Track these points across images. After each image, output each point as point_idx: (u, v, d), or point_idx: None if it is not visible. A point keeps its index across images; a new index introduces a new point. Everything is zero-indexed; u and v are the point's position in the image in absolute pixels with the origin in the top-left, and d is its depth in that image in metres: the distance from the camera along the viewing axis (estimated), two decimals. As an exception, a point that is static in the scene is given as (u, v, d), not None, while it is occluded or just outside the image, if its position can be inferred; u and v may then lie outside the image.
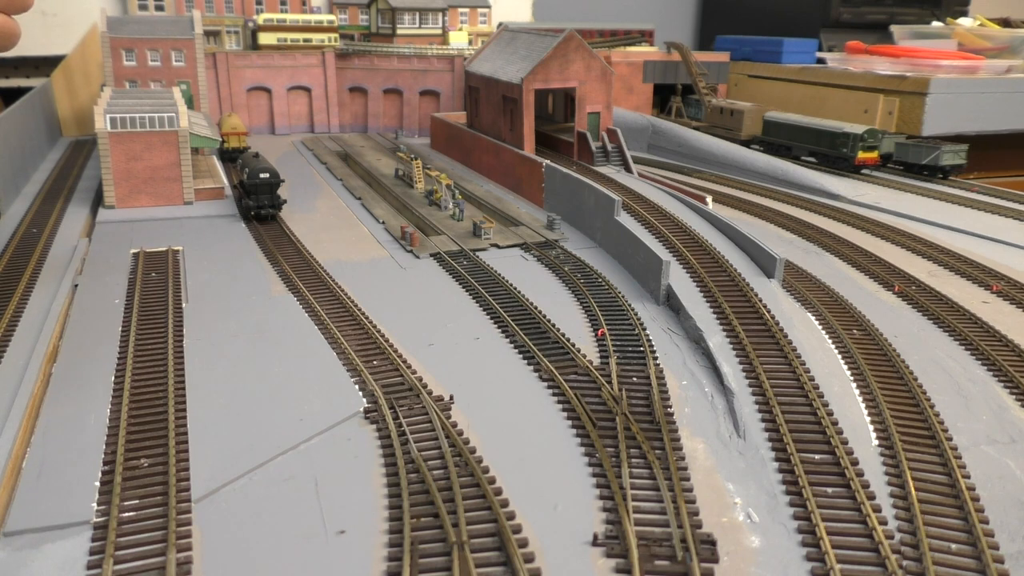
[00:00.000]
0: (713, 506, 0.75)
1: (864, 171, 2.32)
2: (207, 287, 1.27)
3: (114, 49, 2.47)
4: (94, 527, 0.70)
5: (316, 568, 0.66)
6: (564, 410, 0.92)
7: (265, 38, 2.84)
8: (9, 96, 2.95)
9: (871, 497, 0.75)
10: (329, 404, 0.91)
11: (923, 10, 3.47)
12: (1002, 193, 2.11)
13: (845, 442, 0.83)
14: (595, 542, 0.69)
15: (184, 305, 1.17)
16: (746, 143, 2.54)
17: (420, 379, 0.96)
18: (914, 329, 1.19)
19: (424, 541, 0.67)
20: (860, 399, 0.95)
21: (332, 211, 1.81)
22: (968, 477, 0.79)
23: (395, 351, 1.03)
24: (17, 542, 0.69)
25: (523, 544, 0.67)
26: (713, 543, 0.68)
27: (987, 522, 0.72)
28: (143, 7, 2.84)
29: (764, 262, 1.33)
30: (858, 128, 2.28)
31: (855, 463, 0.80)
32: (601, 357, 1.05)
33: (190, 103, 2.42)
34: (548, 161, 1.86)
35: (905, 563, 0.66)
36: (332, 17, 2.92)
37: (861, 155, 2.27)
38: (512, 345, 1.08)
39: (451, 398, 0.92)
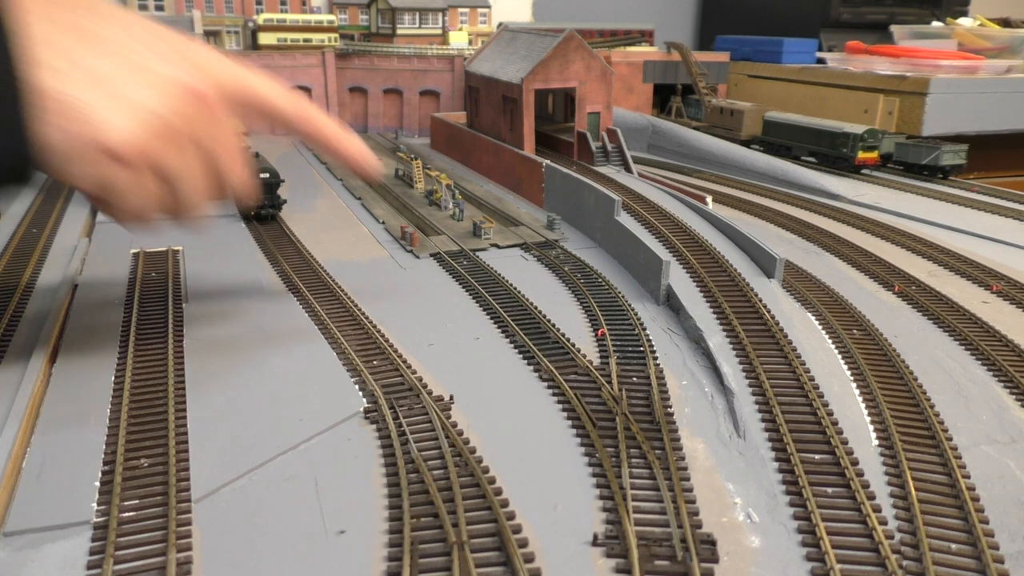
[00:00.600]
0: (713, 506, 0.75)
1: (864, 171, 2.31)
2: (207, 287, 1.27)
3: (114, 49, 2.47)
4: (94, 527, 0.70)
5: (316, 568, 0.66)
6: (564, 410, 0.91)
7: (265, 38, 2.84)
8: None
9: (871, 497, 0.74)
10: (329, 404, 0.91)
11: (923, 10, 3.47)
12: (1002, 193, 2.11)
13: (845, 442, 0.83)
14: (595, 542, 0.68)
15: (184, 305, 1.17)
16: (746, 143, 2.54)
17: (420, 379, 0.96)
18: (914, 329, 1.18)
19: (424, 541, 0.67)
20: (860, 399, 0.94)
21: (332, 211, 1.81)
22: (968, 477, 0.79)
23: (395, 351, 1.03)
24: (17, 542, 0.68)
25: (523, 544, 0.67)
26: (713, 543, 0.68)
27: (987, 522, 0.72)
28: (143, 7, 2.84)
29: (764, 262, 1.32)
30: (858, 128, 2.28)
31: (855, 463, 0.80)
32: (601, 357, 1.05)
33: (190, 103, 2.42)
34: (548, 161, 1.86)
35: (905, 563, 0.66)
36: (332, 17, 2.92)
37: (861, 155, 2.26)
38: (512, 345, 1.08)
39: (451, 398, 0.92)
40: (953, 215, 1.87)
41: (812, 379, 0.95)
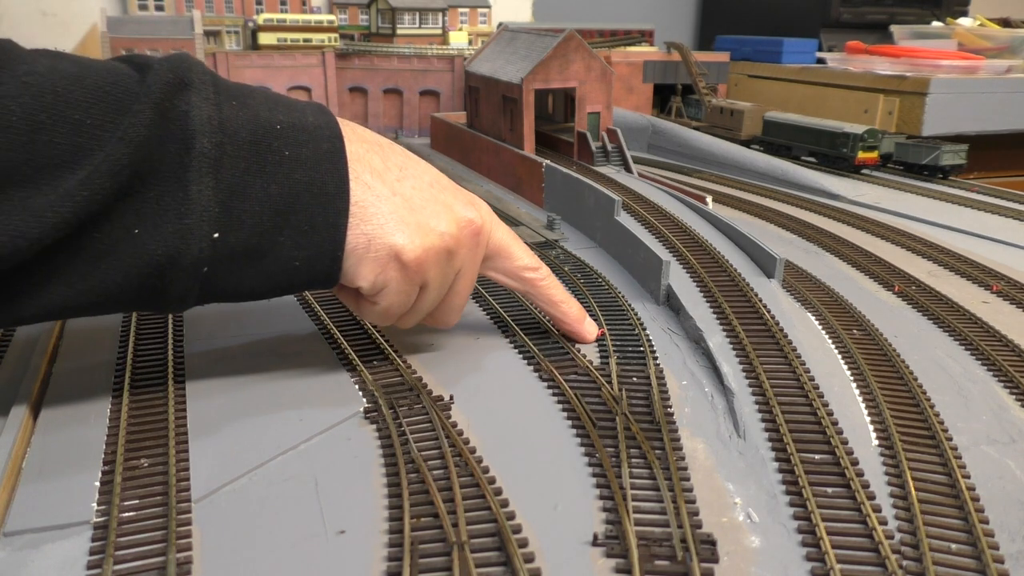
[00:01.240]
0: (713, 506, 0.75)
1: (864, 171, 2.31)
2: (207, 287, 1.27)
3: (114, 49, 2.47)
4: (94, 527, 0.69)
5: (316, 568, 0.66)
6: (564, 410, 0.91)
7: (265, 38, 2.84)
8: (9, 96, 2.95)
9: (871, 497, 0.74)
10: (329, 404, 0.91)
11: (923, 10, 3.47)
12: (1002, 193, 2.11)
13: (845, 442, 0.83)
14: (595, 542, 0.68)
15: (184, 305, 1.16)
16: (746, 143, 2.54)
17: (420, 379, 0.96)
18: (914, 329, 1.18)
19: (424, 541, 0.67)
20: (860, 399, 0.94)
21: (332, 211, 1.80)
22: (968, 477, 0.79)
23: (395, 351, 1.03)
24: (17, 542, 0.68)
25: (523, 544, 0.67)
26: (713, 543, 0.68)
27: (987, 522, 0.72)
28: (143, 7, 2.84)
29: (764, 262, 1.32)
30: (858, 128, 2.28)
31: (855, 463, 0.80)
32: (601, 357, 1.05)
33: (190, 103, 2.41)
34: (548, 161, 1.86)
35: (905, 563, 0.66)
36: (332, 17, 2.92)
37: (861, 155, 2.26)
38: (512, 345, 1.08)
39: (451, 398, 0.92)
40: (953, 215, 1.87)
41: (812, 379, 0.95)
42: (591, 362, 1.01)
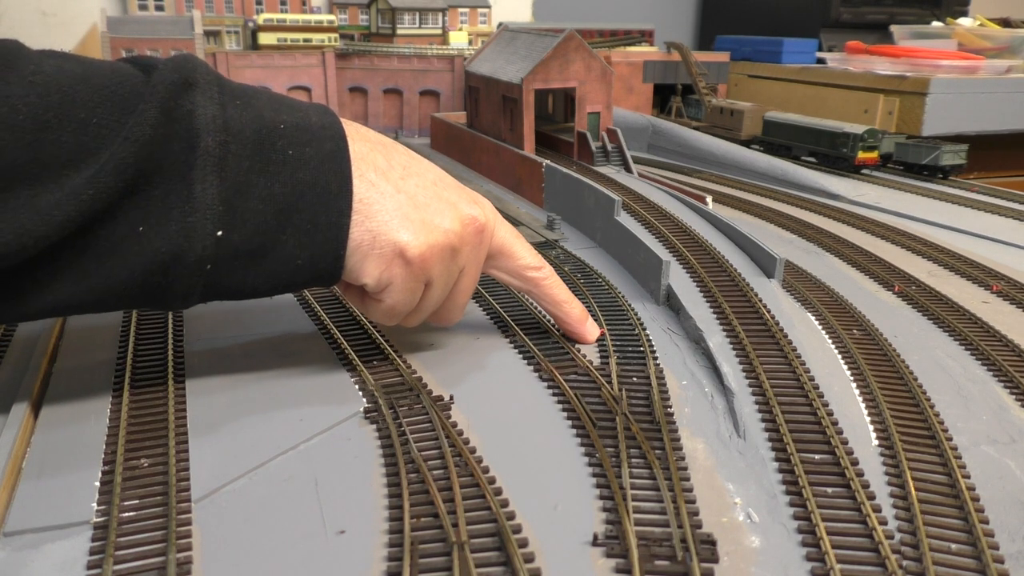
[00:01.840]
0: (713, 506, 0.75)
1: (864, 171, 2.31)
2: (207, 287, 1.27)
3: (114, 49, 2.47)
4: (94, 527, 0.69)
5: (316, 568, 0.66)
6: (564, 410, 0.91)
7: (265, 38, 2.84)
8: (9, 96, 2.95)
9: (871, 497, 0.74)
10: (329, 404, 0.91)
11: (923, 10, 3.47)
12: (1002, 193, 2.11)
13: (845, 442, 0.83)
14: (595, 542, 0.68)
15: (184, 305, 1.16)
16: (746, 143, 2.54)
17: (420, 379, 0.96)
18: (914, 329, 1.18)
19: (424, 541, 0.67)
20: (860, 399, 0.94)
21: (332, 211, 1.80)
22: (968, 477, 0.79)
23: (395, 351, 1.03)
24: (17, 542, 0.68)
25: (523, 544, 0.67)
26: (713, 543, 0.68)
27: (987, 522, 0.72)
28: (143, 7, 2.84)
29: (764, 262, 1.32)
30: (858, 128, 2.28)
31: (855, 463, 0.80)
32: (601, 357, 1.05)
33: (190, 103, 2.41)
34: (548, 161, 1.86)
35: (905, 563, 0.66)
36: (332, 17, 2.92)
37: (861, 155, 2.26)
38: (512, 345, 1.08)
39: (451, 398, 0.92)
40: (953, 215, 1.87)
41: (812, 379, 0.95)
42: (591, 362, 1.01)
